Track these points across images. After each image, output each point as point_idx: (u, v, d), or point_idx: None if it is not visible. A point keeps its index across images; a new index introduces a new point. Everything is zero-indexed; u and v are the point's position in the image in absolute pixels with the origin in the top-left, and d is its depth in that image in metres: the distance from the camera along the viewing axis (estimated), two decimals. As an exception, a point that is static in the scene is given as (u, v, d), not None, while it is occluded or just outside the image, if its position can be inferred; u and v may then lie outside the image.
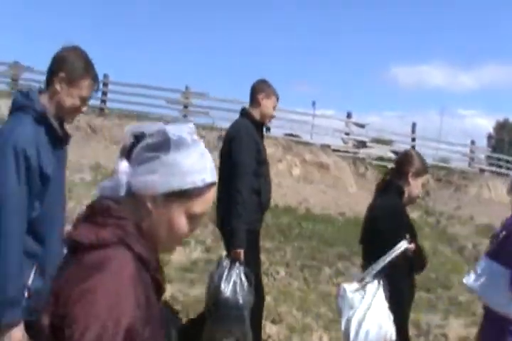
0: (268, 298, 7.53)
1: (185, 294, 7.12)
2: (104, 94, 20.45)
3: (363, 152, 22.42)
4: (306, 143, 19.93)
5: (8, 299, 2.77)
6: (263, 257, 9.09)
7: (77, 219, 1.69)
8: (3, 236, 2.76)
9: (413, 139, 24.12)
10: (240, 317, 4.74)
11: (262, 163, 5.10)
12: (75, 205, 9.99)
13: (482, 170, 25.80)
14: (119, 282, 1.51)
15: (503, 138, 39.67)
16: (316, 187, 15.70)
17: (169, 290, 7.28)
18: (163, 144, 1.63)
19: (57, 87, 3.04)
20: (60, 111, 3.09)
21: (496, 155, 29.49)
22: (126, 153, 1.67)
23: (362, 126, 23.43)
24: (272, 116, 5.41)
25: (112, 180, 1.66)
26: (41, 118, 2.98)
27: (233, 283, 4.67)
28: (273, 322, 6.71)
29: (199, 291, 7.34)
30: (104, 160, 14.19)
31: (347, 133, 22.56)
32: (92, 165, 13.33)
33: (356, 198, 15.28)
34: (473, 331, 7.09)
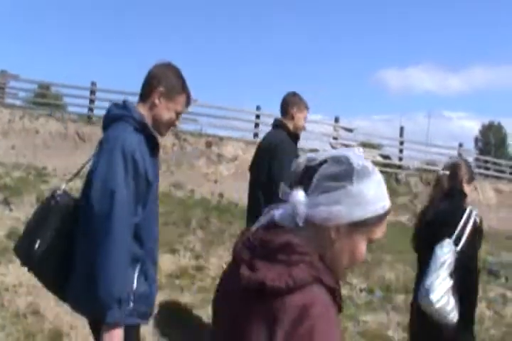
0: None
1: (175, 301, 7.12)
2: (92, 101, 20.44)
3: (351, 156, 22.43)
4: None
5: (114, 299, 2.81)
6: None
7: (240, 253, 1.64)
8: (112, 240, 2.80)
9: (401, 143, 24.20)
10: None
11: None
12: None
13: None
14: (329, 325, 1.49)
15: (490, 141, 39.90)
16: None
17: (158, 297, 7.29)
18: (348, 174, 1.60)
19: (156, 100, 3.20)
20: (157, 124, 3.22)
21: (483, 157, 29.67)
22: (299, 182, 1.65)
23: (350, 130, 23.50)
24: (304, 128, 5.52)
25: (285, 209, 1.63)
26: (141, 127, 3.09)
27: None
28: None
29: (188, 298, 7.36)
30: (93, 168, 14.18)
31: (335, 138, 22.59)
32: (80, 174, 13.29)
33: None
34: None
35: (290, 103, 5.37)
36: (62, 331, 5.81)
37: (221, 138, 18.66)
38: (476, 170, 26.56)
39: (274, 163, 5.02)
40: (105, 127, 3.19)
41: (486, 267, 10.94)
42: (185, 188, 13.91)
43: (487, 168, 27.45)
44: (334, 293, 1.58)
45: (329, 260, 1.61)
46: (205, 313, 6.87)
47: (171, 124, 3.31)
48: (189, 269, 8.48)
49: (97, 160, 2.99)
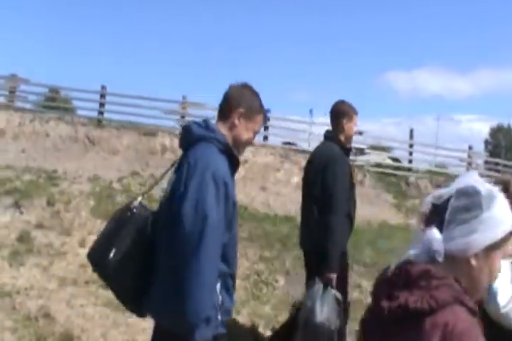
0: (267, 308, 7.57)
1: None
2: (102, 105, 20.49)
3: (361, 159, 22.44)
4: (304, 151, 19.95)
5: (202, 318, 2.90)
6: (262, 266, 9.16)
7: (379, 288, 1.74)
8: (203, 262, 2.87)
9: (411, 145, 24.14)
10: None
11: (351, 187, 5.19)
12: (74, 216, 10.02)
13: (480, 176, 25.72)
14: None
15: (499, 143, 39.76)
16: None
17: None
18: (478, 203, 1.67)
19: (236, 121, 3.27)
20: (236, 144, 3.28)
21: (493, 159, 29.55)
22: (430, 220, 1.71)
23: (360, 133, 23.43)
24: (355, 133, 5.52)
25: (420, 248, 1.69)
26: (225, 149, 3.16)
27: (327, 308, 4.70)
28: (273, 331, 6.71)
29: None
30: (103, 171, 14.21)
31: (344, 141, 22.55)
32: (90, 177, 13.34)
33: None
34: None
35: (340, 114, 5.28)
36: (73, 334, 5.82)
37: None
38: (486, 173, 26.49)
39: (328, 176, 4.98)
40: (187, 146, 3.25)
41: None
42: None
43: (497, 171, 27.31)
44: (475, 314, 1.62)
45: (468, 283, 1.67)
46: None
47: (248, 143, 3.42)
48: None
49: (188, 183, 3.02)
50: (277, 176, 17.10)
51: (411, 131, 24.19)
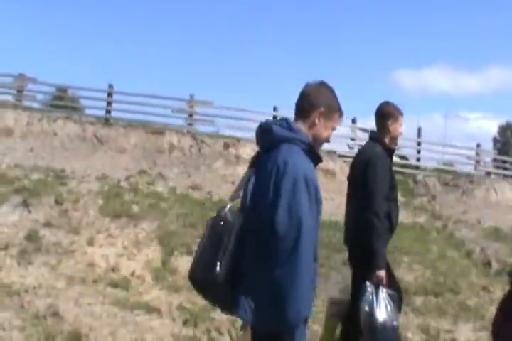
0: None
1: (192, 303, 7.12)
2: (109, 104, 20.53)
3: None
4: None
5: (302, 319, 3.03)
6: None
7: None
8: (299, 265, 2.94)
9: (418, 143, 24.08)
10: (397, 338, 4.98)
11: (392, 187, 5.19)
12: (82, 215, 10.04)
13: (488, 173, 25.72)
14: None
15: (508, 141, 39.60)
16: (323, 193, 15.45)
17: (177, 299, 7.31)
18: None
19: (316, 120, 3.28)
20: (316, 142, 3.31)
21: (501, 157, 29.43)
22: None
23: (367, 130, 23.38)
24: (401, 133, 5.43)
25: None
26: (308, 148, 3.20)
27: (384, 307, 4.77)
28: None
29: (207, 300, 7.36)
30: (111, 170, 14.24)
31: (352, 139, 22.54)
32: (98, 176, 13.38)
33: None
34: (483, 335, 7.11)
35: (385, 115, 5.25)
36: (82, 333, 5.82)
37: (238, 140, 18.68)
38: (495, 171, 26.40)
39: (368, 175, 5.00)
40: (269, 147, 3.24)
41: (506, 268, 10.88)
42: (203, 190, 13.92)
43: (505, 168, 27.22)
44: None
45: None
46: (224, 314, 6.87)
47: (326, 141, 3.43)
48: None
49: (278, 187, 3.04)
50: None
51: (419, 129, 24.12)
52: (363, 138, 22.76)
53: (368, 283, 4.85)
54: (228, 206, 3.28)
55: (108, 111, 20.44)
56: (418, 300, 8.19)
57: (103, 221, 9.84)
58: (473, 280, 9.98)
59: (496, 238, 13.84)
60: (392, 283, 5.11)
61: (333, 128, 3.40)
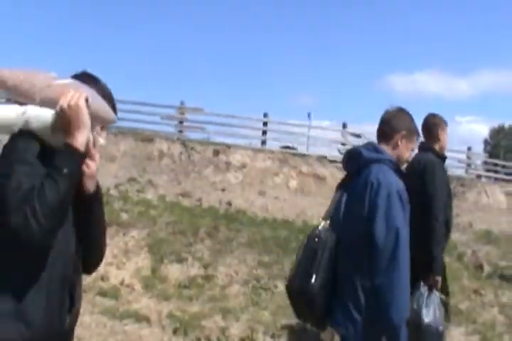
0: (266, 313, 7.52)
1: (182, 311, 7.09)
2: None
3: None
4: (303, 155, 19.92)
5: (404, 320, 3.35)
6: (261, 271, 9.10)
7: None
8: (399, 271, 3.31)
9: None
10: None
11: (449, 195, 5.36)
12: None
13: (479, 176, 25.79)
14: None
15: (499, 144, 39.74)
16: (313, 199, 15.61)
17: (167, 308, 7.26)
18: None
19: (399, 141, 3.72)
20: (398, 161, 3.74)
21: (492, 160, 29.51)
22: None
23: (358, 135, 23.37)
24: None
25: None
26: (396, 168, 3.62)
27: (433, 310, 4.85)
28: (272, 337, 6.67)
29: (197, 308, 7.32)
30: (100, 178, 14.09)
31: (343, 144, 22.53)
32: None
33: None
34: (475, 339, 7.10)
35: (434, 125, 5.49)
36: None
37: (228, 146, 18.63)
38: (485, 174, 26.47)
39: (427, 182, 5.15)
40: (358, 169, 3.63)
41: (497, 272, 10.88)
42: (193, 197, 13.87)
43: (496, 171, 27.29)
44: None
45: None
46: (214, 323, 6.84)
47: (407, 161, 4.08)
48: (198, 279, 8.45)
49: (375, 202, 3.40)
50: (275, 181, 17.13)
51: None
52: (354, 143, 22.80)
53: (422, 283, 4.94)
54: (322, 224, 3.60)
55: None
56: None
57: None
58: (465, 283, 9.96)
59: (488, 241, 13.85)
60: (444, 288, 5.20)
61: (412, 149, 3.91)
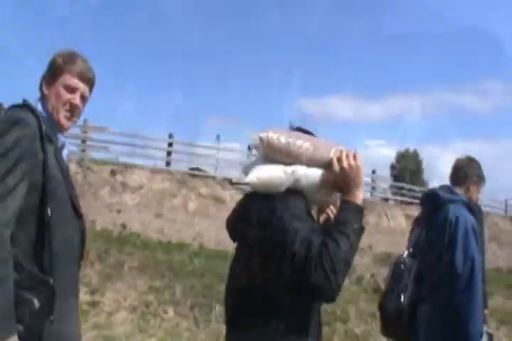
0: (154, 340, 7.19)
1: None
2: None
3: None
4: (204, 177, 19.75)
5: (480, 334, 4.03)
6: (151, 297, 8.76)
7: None
8: (475, 292, 3.96)
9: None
10: None
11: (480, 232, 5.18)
12: None
13: (386, 199, 26.18)
14: None
15: (405, 168, 40.78)
16: (212, 221, 15.31)
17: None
18: None
19: (471, 187, 4.53)
20: (469, 201, 4.42)
21: (398, 184, 30.08)
22: None
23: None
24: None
25: None
26: (468, 207, 4.29)
27: None
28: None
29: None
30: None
31: (247, 165, 22.45)
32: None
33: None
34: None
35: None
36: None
37: (126, 166, 18.12)
38: (392, 197, 26.92)
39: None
40: (435, 208, 4.32)
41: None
42: (87, 219, 13.36)
43: (403, 195, 27.81)
44: None
45: None
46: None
47: (476, 202, 4.70)
48: (83, 305, 8.03)
49: (454, 235, 4.08)
50: (174, 202, 16.88)
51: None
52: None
53: None
54: (406, 253, 4.34)
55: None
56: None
57: None
58: (362, 306, 9.89)
59: (387, 263, 13.91)
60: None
61: (480, 192, 4.63)
